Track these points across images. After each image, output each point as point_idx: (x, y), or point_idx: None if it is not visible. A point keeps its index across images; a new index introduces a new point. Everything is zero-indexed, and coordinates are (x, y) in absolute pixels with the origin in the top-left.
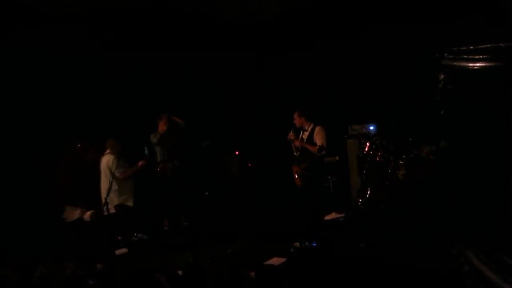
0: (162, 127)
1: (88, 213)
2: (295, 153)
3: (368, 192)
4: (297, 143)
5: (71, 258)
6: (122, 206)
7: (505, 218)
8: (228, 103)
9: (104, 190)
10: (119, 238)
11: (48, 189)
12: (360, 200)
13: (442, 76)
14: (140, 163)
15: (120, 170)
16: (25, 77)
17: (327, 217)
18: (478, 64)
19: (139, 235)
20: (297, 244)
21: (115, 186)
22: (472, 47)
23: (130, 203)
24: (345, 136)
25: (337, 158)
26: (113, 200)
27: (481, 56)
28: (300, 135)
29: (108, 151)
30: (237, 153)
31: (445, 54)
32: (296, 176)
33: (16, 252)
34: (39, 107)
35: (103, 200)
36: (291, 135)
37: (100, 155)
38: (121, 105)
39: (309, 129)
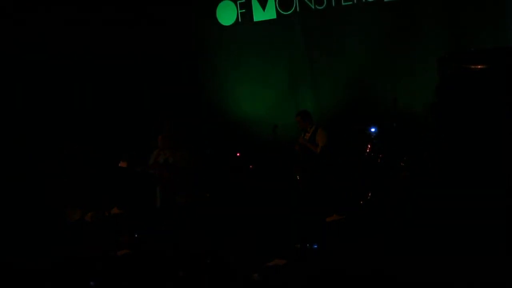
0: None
1: (89, 214)
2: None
3: (369, 194)
4: (301, 141)
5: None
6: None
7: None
8: None
9: None
10: (121, 238)
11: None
12: (362, 202)
13: (442, 76)
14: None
15: None
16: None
17: (328, 219)
18: (478, 66)
19: (140, 235)
20: (298, 246)
21: None
22: (472, 49)
23: None
24: (346, 137)
25: (338, 159)
26: None
27: (481, 57)
28: (302, 136)
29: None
30: (238, 154)
31: (446, 55)
32: (298, 178)
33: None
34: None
35: None
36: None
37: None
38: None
39: (311, 131)
